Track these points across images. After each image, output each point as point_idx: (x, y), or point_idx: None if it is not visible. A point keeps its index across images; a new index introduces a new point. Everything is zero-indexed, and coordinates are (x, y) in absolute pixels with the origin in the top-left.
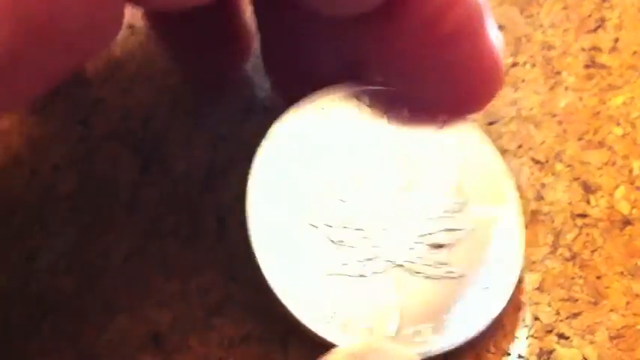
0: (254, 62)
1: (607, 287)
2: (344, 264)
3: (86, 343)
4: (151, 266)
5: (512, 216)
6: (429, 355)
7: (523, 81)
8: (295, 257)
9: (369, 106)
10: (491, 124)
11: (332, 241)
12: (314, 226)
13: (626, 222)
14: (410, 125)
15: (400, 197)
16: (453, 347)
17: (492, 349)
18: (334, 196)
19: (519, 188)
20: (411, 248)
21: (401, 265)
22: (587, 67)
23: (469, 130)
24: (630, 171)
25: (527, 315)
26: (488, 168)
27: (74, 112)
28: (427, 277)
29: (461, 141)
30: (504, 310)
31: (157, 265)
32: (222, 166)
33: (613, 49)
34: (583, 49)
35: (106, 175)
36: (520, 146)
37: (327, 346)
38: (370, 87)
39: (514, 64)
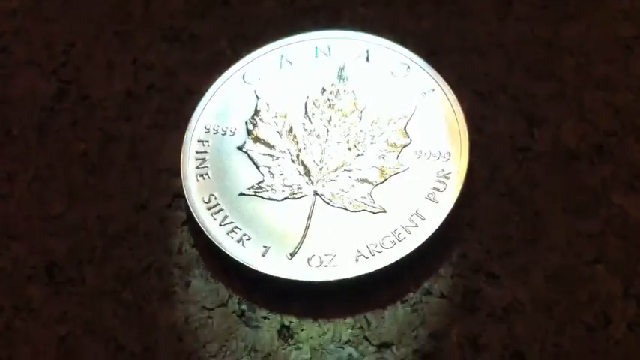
0: None
1: (546, 224)
2: (262, 186)
3: None
4: (54, 193)
5: (454, 155)
6: (331, 281)
7: (470, 11)
8: (217, 176)
9: (329, 55)
10: (432, 54)
11: (255, 165)
12: (240, 149)
13: (572, 156)
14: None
15: (337, 132)
16: (360, 275)
17: (412, 287)
18: (271, 124)
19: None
20: (334, 180)
21: (320, 195)
22: None
23: (422, 76)
24: (580, 103)
25: (453, 252)
26: (438, 107)
27: None
28: (344, 209)
29: (411, 84)
30: (427, 245)
31: (60, 192)
32: (140, 94)
33: None
34: None
35: (21, 100)
36: (461, 77)
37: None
38: (330, 35)
39: None
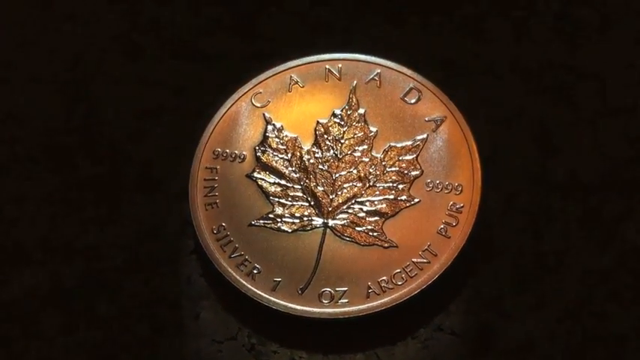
0: (185, 11)
1: (560, 260)
2: (272, 217)
3: None
4: (64, 217)
5: (466, 188)
6: (341, 317)
7: (485, 34)
8: (226, 206)
9: (339, 78)
10: (444, 78)
11: (265, 194)
12: (250, 177)
13: (587, 188)
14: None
15: (347, 161)
16: (371, 312)
17: (422, 323)
18: (280, 152)
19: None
20: (345, 212)
21: (331, 227)
22: None
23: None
24: (596, 132)
25: (465, 288)
26: (450, 136)
27: None
28: (355, 242)
29: (423, 111)
30: (438, 281)
31: (70, 215)
32: (151, 114)
33: None
34: None
35: (26, 118)
36: (473, 103)
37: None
38: (341, 57)
39: None
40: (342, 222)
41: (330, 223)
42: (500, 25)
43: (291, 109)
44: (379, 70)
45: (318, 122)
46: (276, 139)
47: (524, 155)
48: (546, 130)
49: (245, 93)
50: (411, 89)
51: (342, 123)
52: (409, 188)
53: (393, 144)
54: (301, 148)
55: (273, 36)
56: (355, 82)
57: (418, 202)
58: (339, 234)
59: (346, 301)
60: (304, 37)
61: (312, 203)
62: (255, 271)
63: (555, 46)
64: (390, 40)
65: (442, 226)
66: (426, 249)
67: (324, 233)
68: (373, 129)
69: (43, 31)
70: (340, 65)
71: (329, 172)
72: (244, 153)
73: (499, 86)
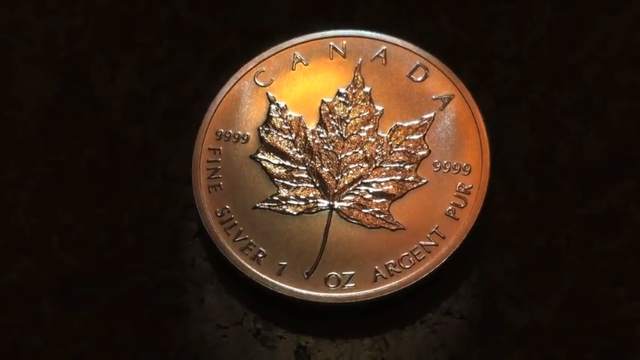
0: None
1: (567, 243)
2: (277, 200)
3: None
4: (61, 204)
5: (474, 168)
6: (348, 302)
7: (490, 12)
8: (230, 188)
9: (344, 55)
10: (450, 56)
11: (269, 176)
12: (253, 159)
13: (594, 170)
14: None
15: (353, 141)
16: (379, 297)
17: (431, 307)
18: (284, 132)
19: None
20: (351, 193)
21: (337, 209)
22: None
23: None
24: (604, 113)
25: (473, 271)
26: (457, 115)
27: None
28: (361, 225)
29: (430, 89)
30: (447, 264)
31: (68, 202)
32: (147, 95)
33: None
34: None
35: (21, 100)
36: (480, 83)
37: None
38: (346, 33)
39: None
40: (348, 204)
41: (336, 205)
42: (506, 5)
43: (295, 87)
44: (385, 47)
45: (322, 101)
46: (280, 119)
47: (529, 136)
48: (551, 111)
49: (248, 71)
50: (417, 67)
51: (347, 102)
52: (416, 169)
53: (399, 123)
54: (305, 128)
55: (272, 12)
56: (360, 59)
57: (425, 183)
58: (345, 216)
59: (353, 285)
60: (304, 12)
61: (318, 185)
62: (260, 255)
63: (560, 25)
64: (393, 16)
65: (450, 208)
66: (434, 231)
67: (330, 216)
68: (379, 108)
69: (39, 11)
70: (345, 42)
71: (334, 152)
72: (248, 133)
73: (504, 66)
